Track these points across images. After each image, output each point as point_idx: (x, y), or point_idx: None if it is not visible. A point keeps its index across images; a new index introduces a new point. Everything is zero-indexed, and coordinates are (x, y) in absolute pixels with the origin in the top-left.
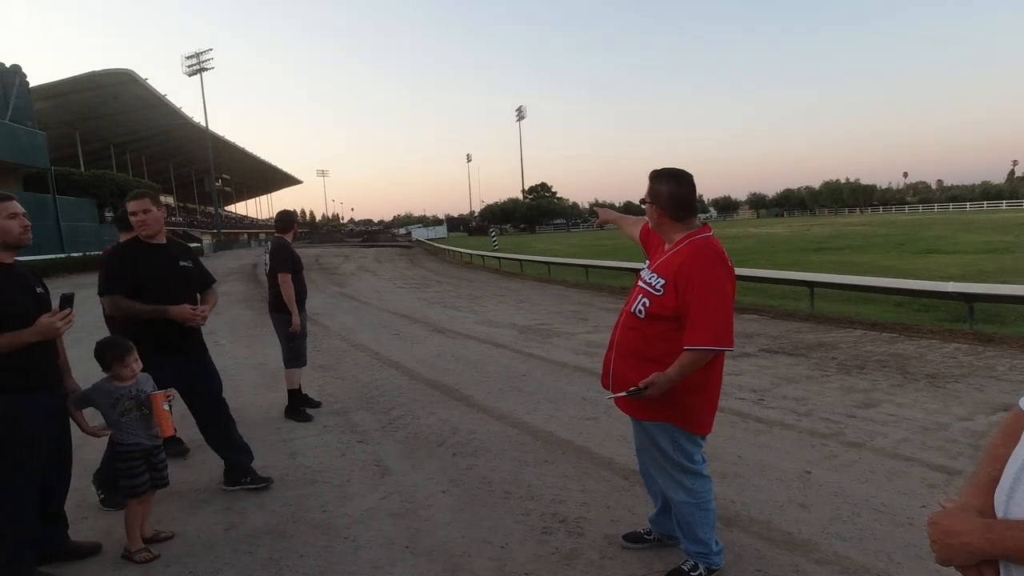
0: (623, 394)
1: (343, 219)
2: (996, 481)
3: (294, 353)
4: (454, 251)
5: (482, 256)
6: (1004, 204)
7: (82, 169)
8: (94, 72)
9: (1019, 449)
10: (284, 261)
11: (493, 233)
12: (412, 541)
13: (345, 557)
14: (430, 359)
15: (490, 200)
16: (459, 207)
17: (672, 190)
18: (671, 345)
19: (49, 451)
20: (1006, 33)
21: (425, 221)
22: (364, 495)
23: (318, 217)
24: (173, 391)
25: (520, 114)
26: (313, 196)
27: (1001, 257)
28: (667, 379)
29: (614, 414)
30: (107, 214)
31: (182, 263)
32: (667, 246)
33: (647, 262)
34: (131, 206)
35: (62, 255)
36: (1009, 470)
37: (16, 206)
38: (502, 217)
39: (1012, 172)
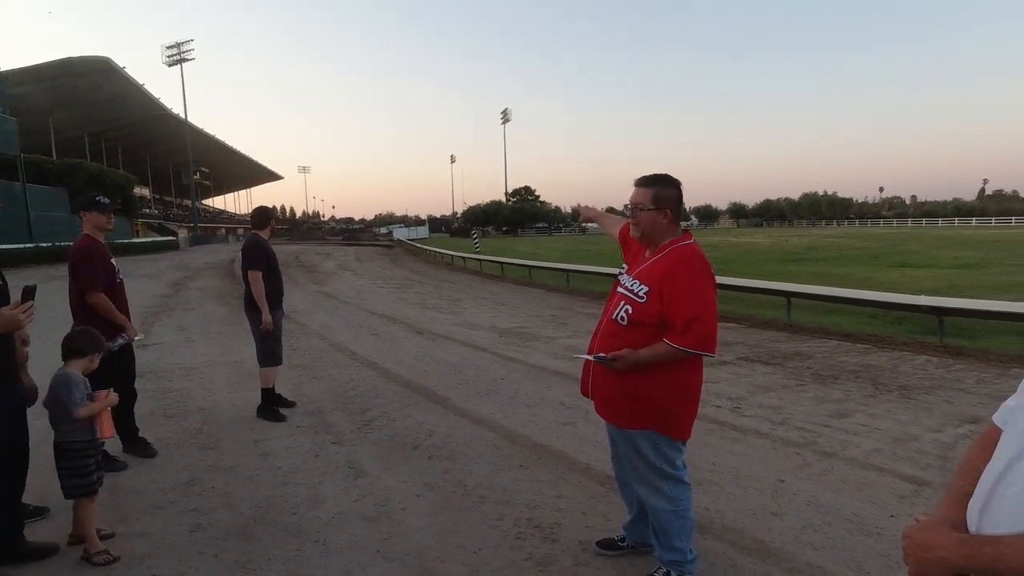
0: (591, 357)
1: (324, 217)
2: (969, 495)
3: (268, 352)
4: (436, 252)
5: (463, 258)
6: (974, 221)
7: (55, 157)
8: (70, 58)
9: (992, 464)
10: (255, 258)
11: (475, 235)
12: (384, 545)
13: (315, 561)
14: (409, 360)
15: (473, 202)
16: (442, 208)
17: (679, 195)
18: None
19: (2, 449)
20: (978, 55)
21: (407, 221)
22: (337, 497)
23: (299, 214)
24: (114, 394)
25: (505, 117)
26: (294, 192)
27: (971, 272)
28: (636, 359)
29: (592, 420)
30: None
31: None
32: (649, 252)
33: (624, 267)
34: None
35: (31, 245)
36: (983, 485)
37: None
38: (484, 219)
39: (983, 190)
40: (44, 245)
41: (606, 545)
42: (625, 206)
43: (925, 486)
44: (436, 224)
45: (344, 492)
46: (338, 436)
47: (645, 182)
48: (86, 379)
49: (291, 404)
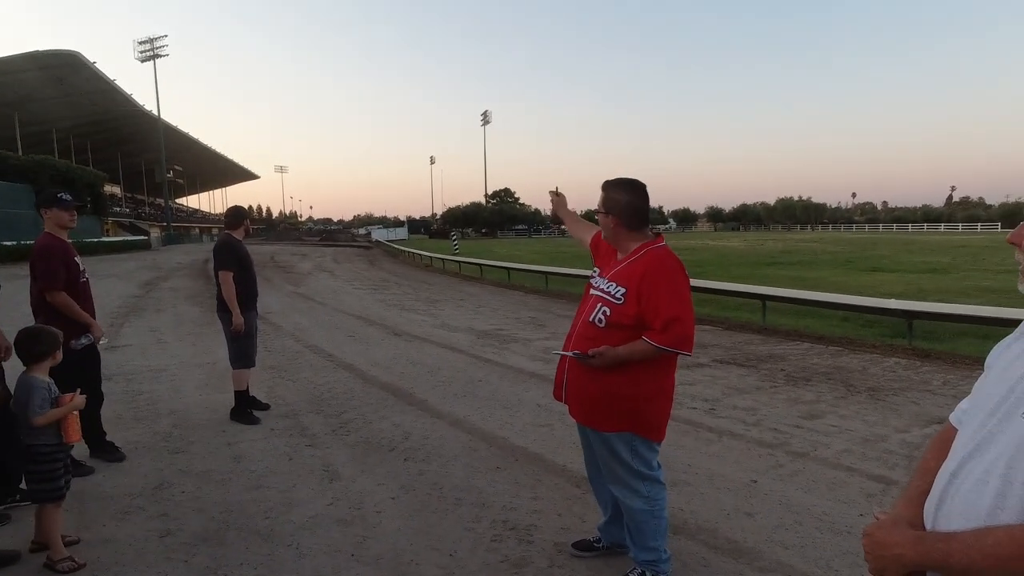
0: (570, 354)
1: (302, 217)
2: (926, 494)
3: (240, 353)
4: (414, 253)
5: (442, 260)
6: (942, 227)
7: (20, 153)
8: (37, 52)
9: (947, 463)
10: (226, 259)
11: (454, 237)
12: (359, 549)
13: (287, 565)
14: (385, 362)
15: (453, 203)
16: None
17: (628, 199)
18: None
19: None
20: (949, 66)
21: (386, 222)
22: (310, 501)
23: (275, 214)
24: (80, 396)
25: (485, 119)
26: (271, 192)
27: (939, 277)
28: (615, 356)
29: (568, 421)
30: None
31: None
32: (620, 255)
33: (595, 270)
34: None
35: None
36: (938, 483)
37: None
38: (464, 221)
39: (950, 197)
40: (8, 244)
41: (582, 547)
42: (595, 210)
43: (893, 485)
44: (415, 225)
45: (318, 495)
46: (313, 439)
47: (603, 186)
48: (52, 381)
49: (265, 407)
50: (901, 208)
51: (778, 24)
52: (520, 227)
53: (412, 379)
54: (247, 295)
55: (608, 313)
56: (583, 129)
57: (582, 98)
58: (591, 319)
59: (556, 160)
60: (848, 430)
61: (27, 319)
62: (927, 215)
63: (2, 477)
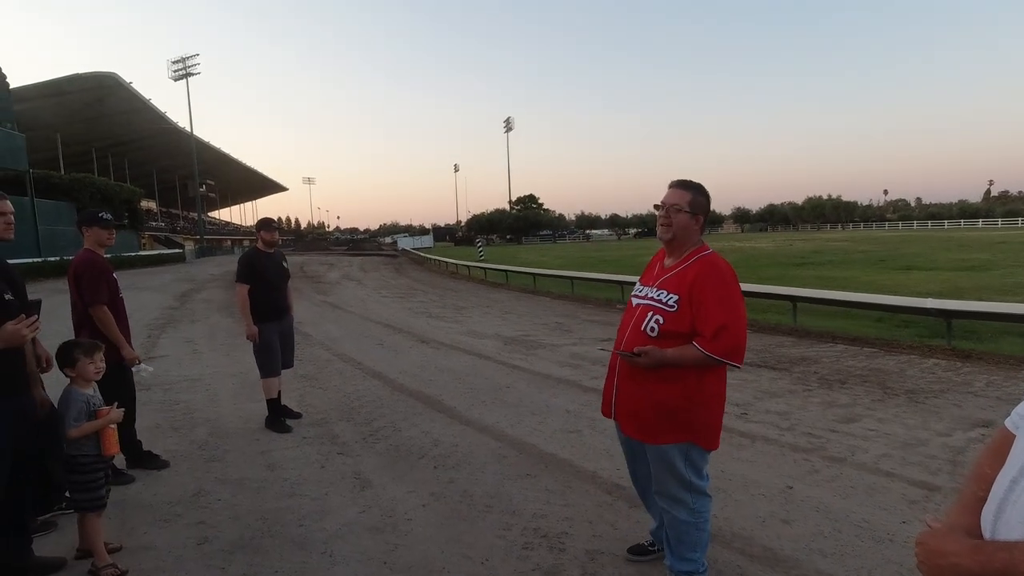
0: (618, 352)
1: (329, 227)
2: (982, 501)
3: (262, 363)
4: (440, 261)
5: (468, 266)
6: (980, 222)
7: (62, 172)
8: (77, 75)
9: (1006, 469)
10: (240, 272)
11: (479, 243)
12: (390, 557)
13: (321, 573)
14: (413, 370)
15: (477, 210)
16: (446, 217)
17: (708, 203)
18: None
19: (8, 461)
20: (984, 57)
21: (411, 230)
22: (343, 509)
23: (304, 225)
24: (117, 410)
25: (508, 125)
26: (299, 203)
27: (978, 274)
28: (662, 357)
29: (598, 427)
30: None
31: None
32: (669, 262)
33: (637, 286)
34: None
35: (39, 259)
36: (996, 491)
37: None
38: (489, 227)
39: (988, 191)
40: (52, 259)
41: (637, 551)
42: (656, 205)
43: (936, 491)
44: (440, 233)
45: (350, 503)
46: (344, 447)
47: (683, 185)
48: (92, 394)
49: (297, 415)
50: (936, 204)
51: (804, 20)
52: (544, 232)
53: (440, 386)
54: (265, 307)
55: (661, 321)
56: (605, 132)
57: (603, 102)
58: (643, 328)
59: (579, 164)
60: (886, 434)
61: (68, 333)
62: (964, 210)
63: (47, 487)
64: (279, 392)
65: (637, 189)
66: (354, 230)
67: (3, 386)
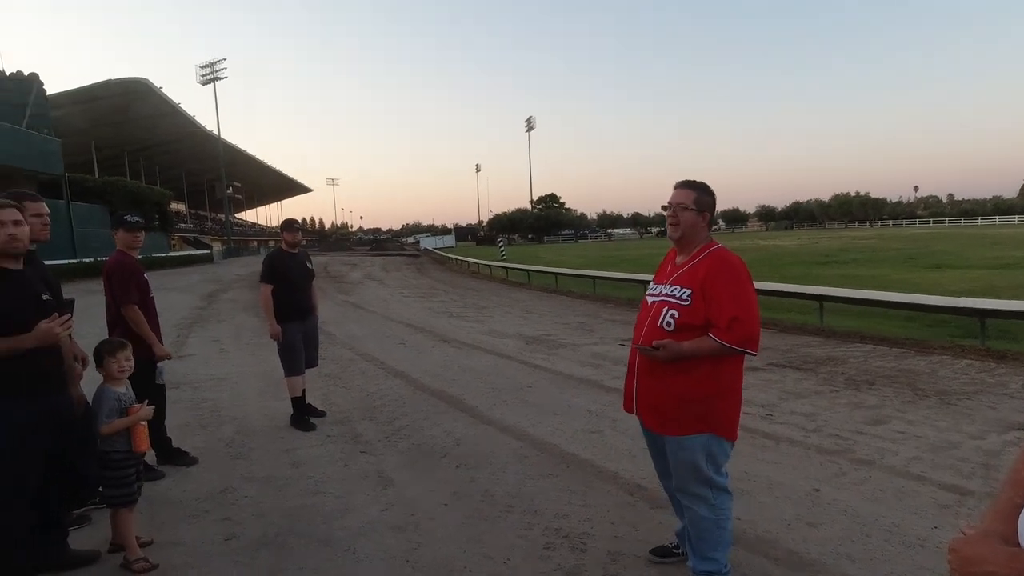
0: (636, 346)
1: (352, 227)
2: (1019, 508)
3: (285, 361)
4: (461, 261)
5: (489, 266)
6: (1016, 219)
7: (96, 175)
8: (109, 81)
9: None
10: (264, 272)
11: (501, 243)
12: (413, 555)
13: (345, 570)
14: (435, 369)
15: (498, 210)
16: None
17: (713, 201)
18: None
19: (43, 457)
20: (1017, 49)
21: (433, 230)
22: (366, 507)
23: (327, 225)
24: (147, 407)
25: (529, 125)
26: (323, 204)
27: (1013, 272)
28: (679, 350)
29: (620, 427)
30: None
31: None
32: (680, 259)
33: (651, 284)
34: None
35: (74, 260)
36: None
37: (8, 213)
38: (510, 227)
39: None
40: (87, 260)
41: (660, 553)
42: (663, 206)
43: (968, 496)
44: (462, 233)
45: (373, 501)
46: (367, 445)
47: (688, 185)
48: (124, 392)
49: (321, 414)
50: (969, 200)
51: (835, 14)
52: (566, 232)
53: (462, 386)
54: (288, 307)
55: (676, 316)
56: (628, 131)
57: (626, 100)
58: (659, 323)
59: (601, 163)
60: (916, 436)
61: (102, 333)
62: (998, 207)
63: (80, 482)
64: (303, 391)
65: (659, 188)
66: (377, 230)
67: (41, 384)
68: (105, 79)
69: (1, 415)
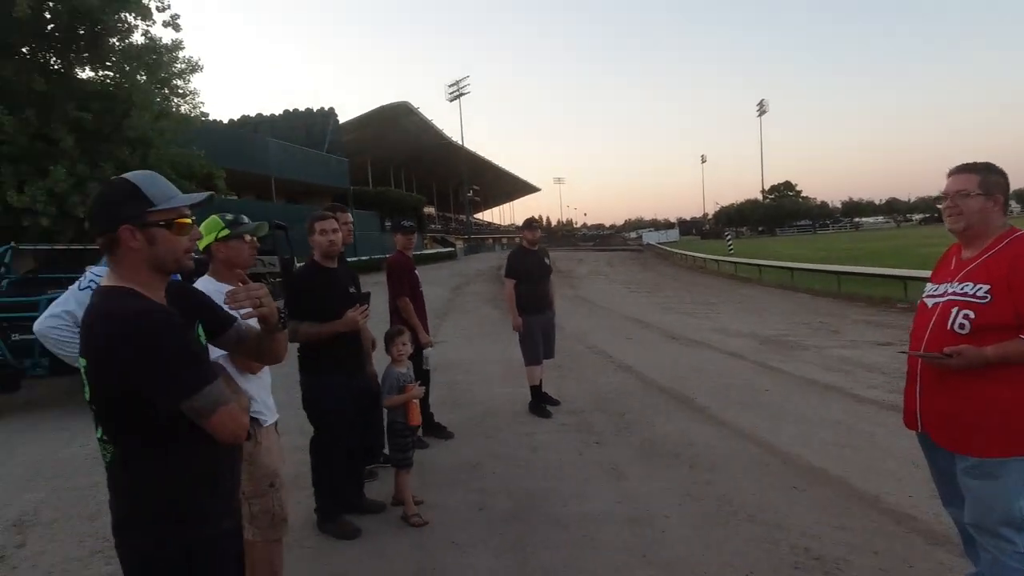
0: (920, 354)
1: (576, 224)
2: None
3: (525, 351)
4: (686, 255)
5: (716, 261)
6: None
7: (370, 187)
8: (381, 107)
9: None
10: (507, 268)
11: (728, 236)
12: (649, 550)
13: (584, 554)
14: (663, 365)
15: (725, 202)
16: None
17: (1006, 182)
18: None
19: (353, 425)
20: None
21: (656, 225)
22: (600, 496)
23: (553, 223)
24: (419, 387)
25: (761, 108)
26: (550, 202)
27: None
28: (979, 356)
29: (880, 444)
30: (386, 224)
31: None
32: (967, 253)
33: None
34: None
35: (354, 258)
36: None
37: (329, 223)
38: (738, 219)
39: None
40: (364, 258)
41: None
42: (937, 198)
43: None
44: (686, 227)
45: (607, 491)
46: (600, 436)
47: (968, 168)
48: (404, 371)
49: (556, 403)
50: None
51: None
52: (803, 222)
53: (691, 384)
54: (528, 300)
55: (972, 316)
56: (875, 109)
57: (871, 80)
58: (949, 326)
59: (844, 145)
60: None
61: (382, 320)
62: None
63: (373, 444)
64: (540, 380)
65: (920, 168)
66: (600, 226)
67: (350, 364)
68: (378, 106)
69: (331, 387)
